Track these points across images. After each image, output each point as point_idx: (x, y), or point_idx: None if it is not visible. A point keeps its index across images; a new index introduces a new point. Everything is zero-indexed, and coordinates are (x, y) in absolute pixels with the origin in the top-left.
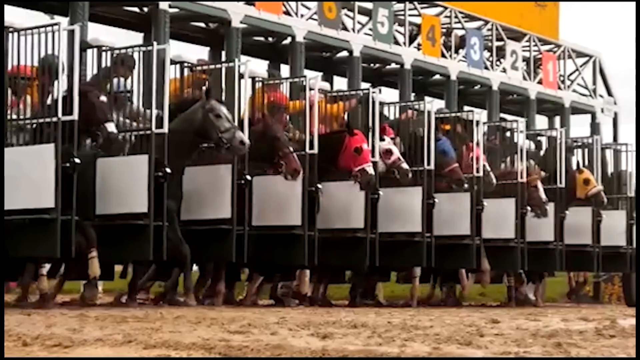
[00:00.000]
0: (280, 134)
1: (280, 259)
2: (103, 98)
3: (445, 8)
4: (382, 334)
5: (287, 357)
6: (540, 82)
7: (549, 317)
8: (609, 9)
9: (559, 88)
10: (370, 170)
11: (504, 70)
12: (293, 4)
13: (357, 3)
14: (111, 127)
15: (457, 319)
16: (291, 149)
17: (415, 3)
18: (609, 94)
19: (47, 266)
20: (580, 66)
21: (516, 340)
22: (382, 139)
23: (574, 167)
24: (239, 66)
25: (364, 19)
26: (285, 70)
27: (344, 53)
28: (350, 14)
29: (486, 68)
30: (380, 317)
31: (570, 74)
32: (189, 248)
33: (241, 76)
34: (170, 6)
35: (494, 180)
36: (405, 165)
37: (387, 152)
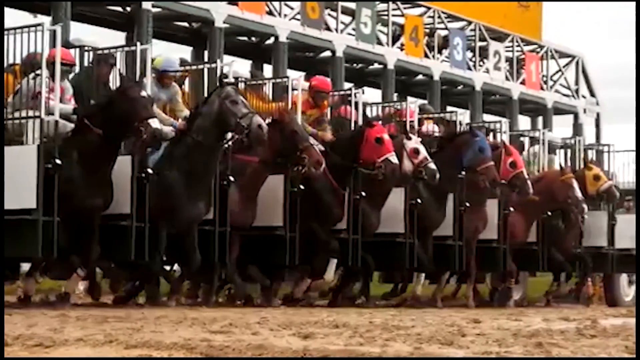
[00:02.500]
0: (298, 127)
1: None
2: (144, 94)
3: (429, 8)
4: (363, 334)
5: (269, 357)
6: (523, 83)
7: (530, 317)
8: (592, 10)
9: (542, 88)
10: (394, 159)
11: (487, 71)
12: (276, 4)
13: (340, 3)
14: (155, 123)
15: (438, 319)
16: (311, 141)
17: (399, 3)
18: (592, 94)
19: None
20: (563, 67)
21: (497, 340)
22: (409, 138)
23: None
24: (221, 67)
25: (347, 19)
26: (268, 70)
27: (327, 53)
28: (334, 14)
29: (469, 68)
30: (361, 317)
31: (553, 75)
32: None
33: (225, 76)
34: (153, 6)
35: (530, 190)
36: (432, 165)
37: (414, 152)
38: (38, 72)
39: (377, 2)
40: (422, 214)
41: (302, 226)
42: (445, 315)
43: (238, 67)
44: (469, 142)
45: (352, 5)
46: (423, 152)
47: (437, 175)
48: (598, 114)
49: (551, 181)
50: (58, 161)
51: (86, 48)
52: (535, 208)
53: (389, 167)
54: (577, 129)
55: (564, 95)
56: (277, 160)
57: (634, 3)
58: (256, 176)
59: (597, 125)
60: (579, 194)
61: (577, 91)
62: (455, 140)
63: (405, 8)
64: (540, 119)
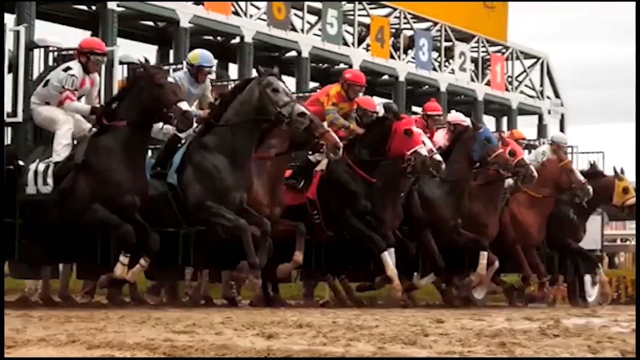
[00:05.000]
0: (310, 114)
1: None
2: (171, 79)
3: (395, 9)
4: (327, 334)
5: (232, 357)
6: (488, 84)
7: (493, 316)
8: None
9: (507, 89)
10: (423, 151)
11: (452, 72)
12: (242, 4)
13: (306, 3)
14: (185, 105)
15: (401, 319)
16: (326, 127)
17: (365, 4)
18: (556, 95)
19: None
20: (528, 68)
21: (460, 339)
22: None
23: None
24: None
25: (313, 19)
26: (233, 70)
27: (293, 53)
28: (300, 14)
29: (434, 69)
30: (325, 316)
31: (518, 76)
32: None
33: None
34: (118, 5)
35: (535, 174)
36: (437, 157)
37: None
38: (70, 64)
39: (344, 3)
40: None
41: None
42: (409, 315)
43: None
44: (474, 136)
45: (318, 5)
46: (428, 144)
47: (443, 166)
48: (562, 115)
49: (551, 170)
50: (21, 162)
51: (51, 48)
52: (546, 202)
53: (419, 158)
54: (542, 130)
55: (529, 96)
56: (294, 151)
57: (596, 4)
58: (277, 169)
59: (562, 126)
60: (581, 177)
61: (541, 92)
62: (460, 138)
63: (371, 9)
64: (505, 120)
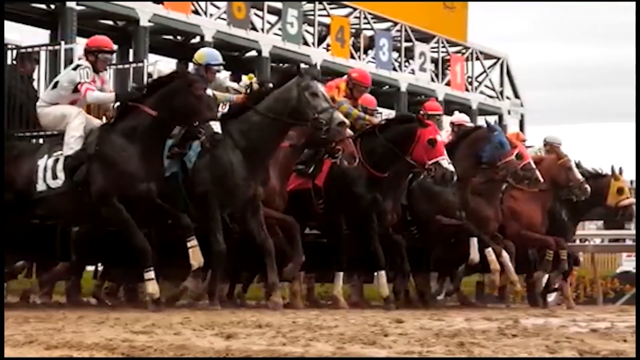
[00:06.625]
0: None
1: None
2: (209, 92)
3: (355, 9)
4: (286, 334)
5: (191, 357)
6: (448, 84)
7: (452, 316)
8: (515, 12)
9: (467, 90)
10: (445, 163)
11: (413, 72)
12: (202, 3)
13: (266, 3)
14: (217, 126)
15: (361, 319)
16: (346, 133)
17: (325, 4)
18: (516, 95)
19: None
20: (488, 68)
21: (420, 340)
22: None
23: None
24: (147, 65)
25: (273, 18)
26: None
27: (253, 53)
28: (260, 13)
29: (395, 69)
30: (285, 317)
31: (478, 76)
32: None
33: (149, 75)
34: (77, 4)
35: (541, 179)
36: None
37: None
38: (79, 62)
39: (304, 3)
40: None
41: None
42: (369, 315)
43: (163, 66)
44: (487, 137)
45: (279, 5)
46: None
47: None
48: (522, 115)
49: (549, 167)
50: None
51: (9, 46)
52: (545, 197)
53: (440, 170)
54: (502, 129)
55: (489, 96)
56: (308, 146)
57: (553, 4)
58: (289, 160)
59: (521, 127)
60: (579, 175)
61: (501, 92)
62: (471, 135)
63: (331, 9)
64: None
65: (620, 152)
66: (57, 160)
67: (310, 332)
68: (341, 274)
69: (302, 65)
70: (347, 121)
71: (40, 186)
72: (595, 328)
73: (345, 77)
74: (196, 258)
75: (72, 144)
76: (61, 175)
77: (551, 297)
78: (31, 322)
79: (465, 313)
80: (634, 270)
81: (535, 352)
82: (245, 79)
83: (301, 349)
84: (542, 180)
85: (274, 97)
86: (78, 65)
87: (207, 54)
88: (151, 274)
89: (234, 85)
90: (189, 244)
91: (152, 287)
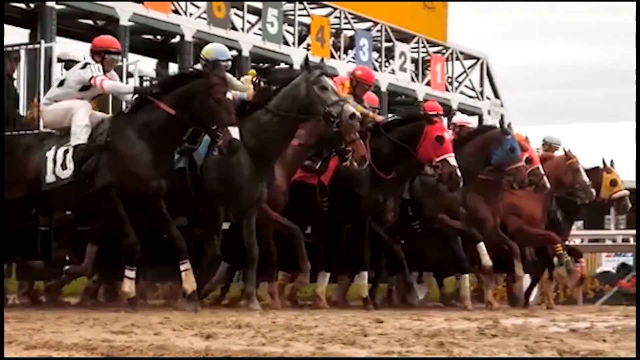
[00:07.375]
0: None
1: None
2: (230, 96)
3: (335, 9)
4: (266, 334)
5: (171, 357)
6: (428, 84)
7: (432, 316)
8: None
9: (447, 90)
10: (453, 161)
11: (393, 72)
12: (182, 2)
13: (246, 2)
14: (235, 132)
15: (341, 319)
16: (357, 135)
17: (305, 3)
18: (496, 96)
19: None
20: (468, 68)
21: (399, 340)
22: None
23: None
24: (127, 65)
25: (253, 18)
26: (173, 68)
27: (233, 52)
28: (240, 13)
29: (375, 69)
30: (264, 317)
31: (458, 76)
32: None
33: (130, 75)
34: (57, 3)
35: (548, 185)
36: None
37: None
38: (87, 61)
39: (284, 2)
40: None
41: None
42: (349, 315)
43: (143, 65)
44: (500, 140)
45: (259, 4)
46: None
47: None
48: (502, 116)
49: (556, 166)
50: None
51: None
52: (547, 195)
53: (446, 168)
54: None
55: (469, 96)
56: (319, 146)
57: (533, 4)
58: (297, 159)
59: (502, 127)
60: (586, 178)
61: (481, 93)
62: (481, 135)
63: (311, 8)
64: (445, 121)
65: (601, 152)
66: (67, 151)
67: (289, 332)
68: (328, 274)
69: (310, 63)
70: (358, 113)
71: (50, 178)
72: (575, 328)
73: (349, 74)
74: (189, 282)
75: (79, 133)
76: (71, 165)
77: (531, 297)
78: (10, 322)
79: (446, 313)
80: (614, 271)
81: (515, 352)
82: (247, 77)
83: (281, 349)
84: (549, 186)
85: (282, 94)
86: (87, 64)
87: (215, 50)
88: (132, 274)
89: (238, 83)
90: (182, 267)
91: (129, 286)
